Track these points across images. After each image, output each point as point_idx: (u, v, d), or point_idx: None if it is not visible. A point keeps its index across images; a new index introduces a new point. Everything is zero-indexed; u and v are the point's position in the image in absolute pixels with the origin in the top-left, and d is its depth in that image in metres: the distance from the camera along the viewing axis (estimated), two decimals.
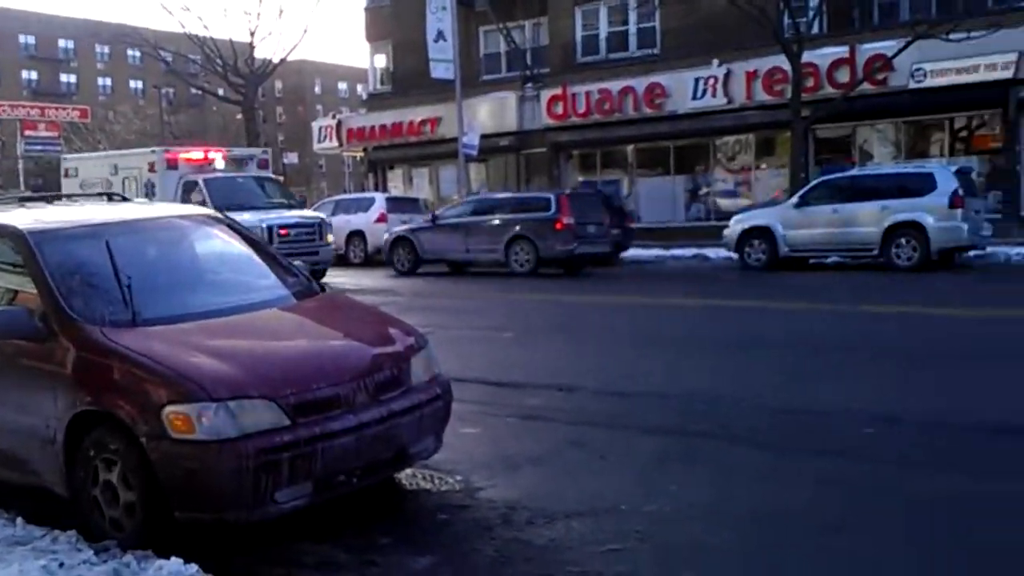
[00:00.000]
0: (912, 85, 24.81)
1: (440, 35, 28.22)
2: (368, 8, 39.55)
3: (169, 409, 4.77)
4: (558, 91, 30.88)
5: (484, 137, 29.76)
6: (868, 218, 19.49)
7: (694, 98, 28.30)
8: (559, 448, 6.89)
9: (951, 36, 21.81)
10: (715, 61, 27.81)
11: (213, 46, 42.46)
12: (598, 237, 21.61)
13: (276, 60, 44.74)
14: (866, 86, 24.61)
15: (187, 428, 4.74)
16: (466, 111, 28.79)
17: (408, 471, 6.15)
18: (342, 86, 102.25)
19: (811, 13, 25.70)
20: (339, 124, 37.87)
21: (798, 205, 20.60)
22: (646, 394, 8.52)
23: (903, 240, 19.14)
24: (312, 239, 20.37)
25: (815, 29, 26.31)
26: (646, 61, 30.30)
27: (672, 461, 6.50)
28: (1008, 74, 23.56)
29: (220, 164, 22.16)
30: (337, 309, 6.43)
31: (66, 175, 24.45)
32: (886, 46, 24.41)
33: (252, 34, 43.64)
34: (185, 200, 20.56)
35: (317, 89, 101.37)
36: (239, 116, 49.88)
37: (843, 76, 25.72)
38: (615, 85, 29.69)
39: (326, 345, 5.75)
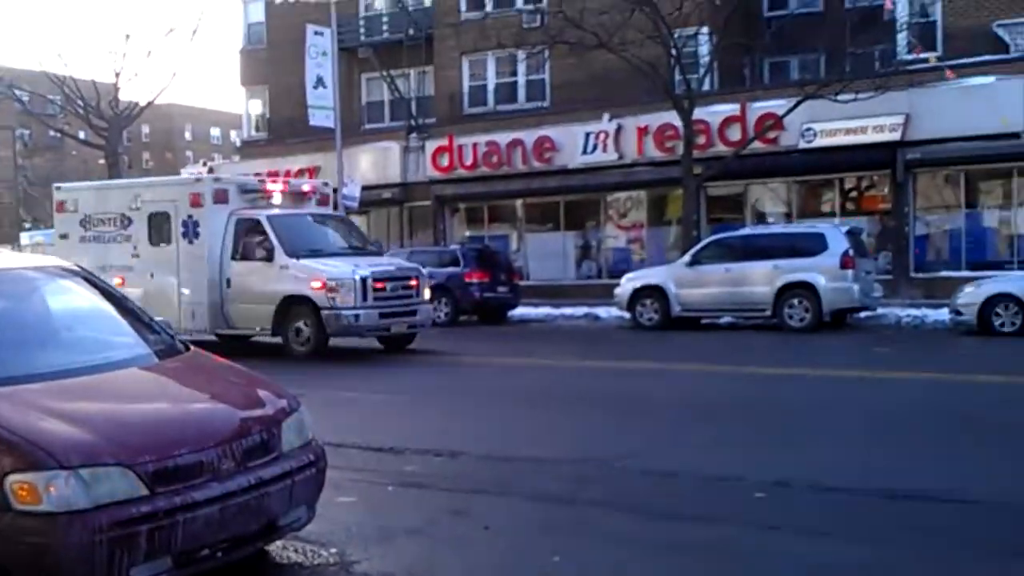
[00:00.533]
0: (802, 145, 25.82)
1: (320, 81, 28.15)
2: (244, 51, 39.35)
3: (13, 478, 4.59)
4: (444, 142, 31.14)
5: (366, 188, 29.67)
6: (760, 278, 20.09)
7: (584, 152, 28.88)
8: (440, 517, 6.85)
9: (839, 97, 22.80)
10: (606, 115, 28.47)
11: (74, 86, 41.59)
12: None
13: (143, 103, 44.03)
14: (757, 144, 25.48)
15: (33, 499, 4.56)
16: (347, 161, 28.71)
17: (278, 543, 6.02)
18: (215, 132, 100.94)
19: (702, 70, 26.57)
20: (210, 172, 37.20)
21: (690, 264, 21.11)
22: (532, 459, 8.55)
23: (795, 300, 19.78)
24: (410, 295, 17.54)
25: (706, 86, 27.18)
26: (535, 114, 30.85)
27: (557, 530, 6.51)
28: (896, 136, 24.73)
29: (277, 199, 18.45)
30: (203, 369, 6.30)
31: (60, 209, 20.05)
32: (776, 105, 25.38)
33: (117, 75, 42.96)
34: (244, 243, 17.50)
35: (187, 134, 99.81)
36: (102, 161, 48.81)
37: (734, 134, 26.61)
38: (503, 137, 30.09)
39: (189, 408, 5.62)
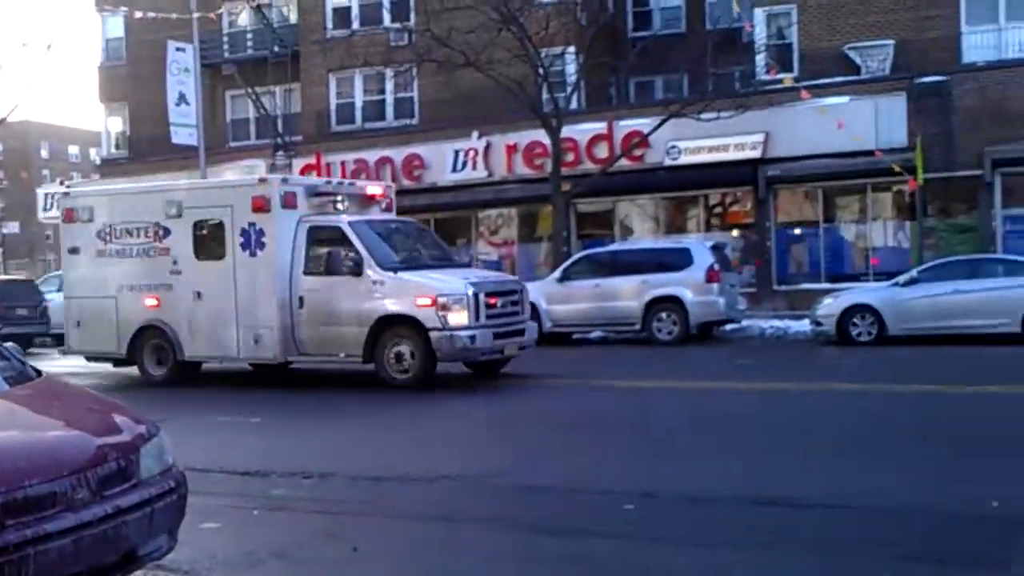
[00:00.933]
0: (668, 162, 26.41)
1: (182, 98, 27.63)
2: (102, 67, 38.31)
3: None
4: (311, 160, 30.79)
5: None
6: (629, 293, 20.45)
7: (454, 170, 28.95)
8: (308, 540, 6.73)
9: (702, 116, 23.41)
10: (475, 133, 28.62)
11: None
12: (26, 319, 24.62)
13: None
14: (624, 162, 25.95)
15: None
16: (211, 179, 28.20)
17: (138, 573, 5.81)
18: (73, 150, 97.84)
19: (569, 89, 26.96)
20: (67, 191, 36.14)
21: (560, 280, 21.35)
22: (403, 478, 8.48)
23: (663, 314, 20.19)
24: (517, 311, 15.31)
25: (573, 104, 27.59)
26: (404, 131, 30.83)
27: (429, 549, 6.48)
28: (756, 153, 25.52)
29: (344, 204, 15.91)
30: (56, 396, 6.07)
31: (69, 219, 17.30)
32: (642, 123, 25.92)
33: None
34: (321, 255, 14.94)
35: (44, 153, 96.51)
36: None
37: (602, 152, 27.05)
38: (372, 155, 29.96)
39: (41, 436, 5.39)
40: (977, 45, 25.69)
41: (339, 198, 15.89)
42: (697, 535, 6.54)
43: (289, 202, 15.26)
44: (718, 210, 28.27)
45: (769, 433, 10.23)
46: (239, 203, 15.39)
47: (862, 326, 18.69)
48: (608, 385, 14.47)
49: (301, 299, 14.97)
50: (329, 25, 32.95)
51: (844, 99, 24.93)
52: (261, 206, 15.16)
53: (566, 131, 25.38)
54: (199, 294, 15.68)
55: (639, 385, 14.33)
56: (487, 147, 28.54)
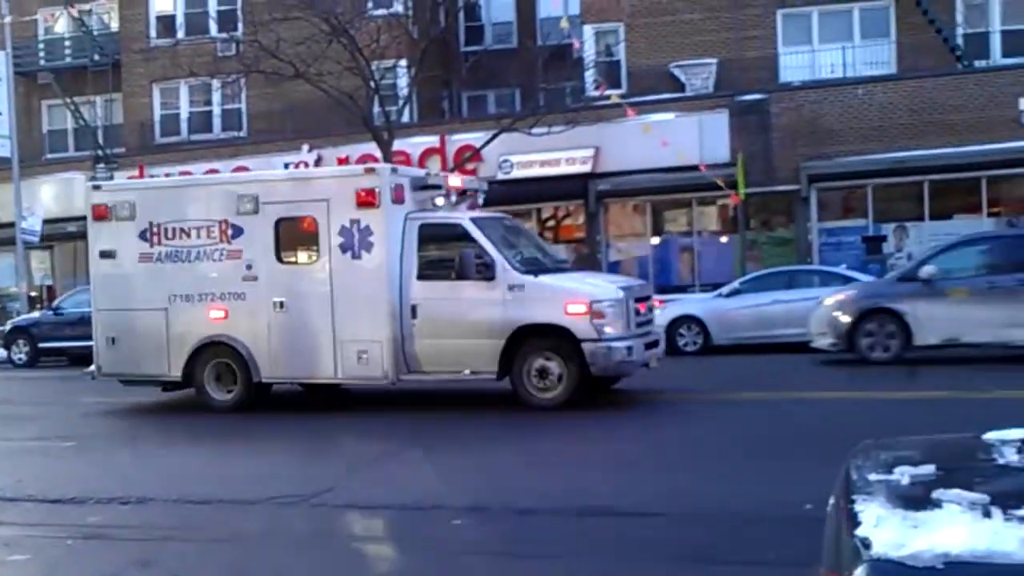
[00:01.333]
0: (500, 176, 26.66)
1: None
2: None
3: None
4: (134, 173, 29.77)
5: (48, 222, 28.13)
6: None
7: None
8: (124, 570, 6.53)
9: (534, 131, 23.77)
10: (305, 146, 28.28)
11: None
12: None
13: None
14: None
15: None
16: (26, 192, 27.11)
17: None
18: None
19: (401, 102, 26.96)
20: None
21: None
22: (225, 501, 8.31)
23: None
24: (651, 319, 13.95)
25: (406, 118, 27.60)
26: (232, 144, 30.24)
27: (250, 572, 6.37)
28: (587, 168, 26.06)
29: (440, 200, 13.87)
30: None
31: (101, 216, 14.50)
32: (475, 137, 26.14)
33: None
34: (445, 257, 13.17)
35: None
36: None
37: (435, 165, 27.11)
38: (198, 168, 29.05)
39: None
40: (793, 65, 26.97)
41: (442, 192, 13.96)
42: (519, 547, 6.63)
43: (398, 196, 13.26)
44: (551, 224, 28.72)
45: (597, 445, 10.45)
46: (338, 197, 13.28)
47: (688, 336, 19.32)
48: (437, 400, 14.44)
49: (414, 308, 12.99)
50: (152, 34, 32.01)
51: (670, 115, 25.71)
52: (368, 201, 13.05)
53: (398, 144, 25.35)
54: (281, 304, 13.47)
55: (469, 399, 14.38)
56: (318, 160, 28.21)
